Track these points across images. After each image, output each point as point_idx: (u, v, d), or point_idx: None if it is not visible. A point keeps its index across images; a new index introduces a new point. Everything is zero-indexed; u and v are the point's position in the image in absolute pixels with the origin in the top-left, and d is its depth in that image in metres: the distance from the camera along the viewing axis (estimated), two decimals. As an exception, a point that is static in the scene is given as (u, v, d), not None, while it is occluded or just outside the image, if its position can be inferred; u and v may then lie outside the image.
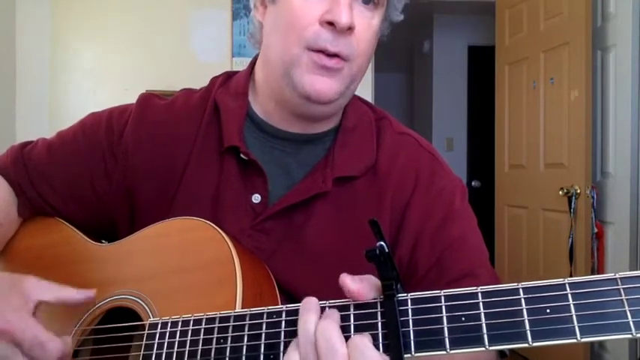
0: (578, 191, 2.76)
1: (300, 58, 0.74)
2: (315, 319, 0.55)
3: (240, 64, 3.15)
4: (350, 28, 0.73)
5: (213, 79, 0.90)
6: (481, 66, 4.71)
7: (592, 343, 2.77)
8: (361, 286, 0.56)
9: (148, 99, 0.89)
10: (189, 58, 3.20)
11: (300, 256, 0.78)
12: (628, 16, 2.64)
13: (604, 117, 2.82)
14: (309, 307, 0.57)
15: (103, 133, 0.86)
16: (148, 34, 3.19)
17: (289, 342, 0.57)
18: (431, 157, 0.85)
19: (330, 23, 0.72)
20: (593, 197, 2.74)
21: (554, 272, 2.90)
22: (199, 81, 0.94)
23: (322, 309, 0.58)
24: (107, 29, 3.18)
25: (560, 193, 2.83)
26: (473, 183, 4.94)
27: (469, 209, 0.84)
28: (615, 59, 2.74)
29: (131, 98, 0.90)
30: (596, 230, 2.76)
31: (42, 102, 3.10)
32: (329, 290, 0.58)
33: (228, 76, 0.90)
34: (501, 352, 0.73)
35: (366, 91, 3.22)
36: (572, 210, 2.79)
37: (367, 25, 0.76)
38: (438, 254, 0.78)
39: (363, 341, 0.53)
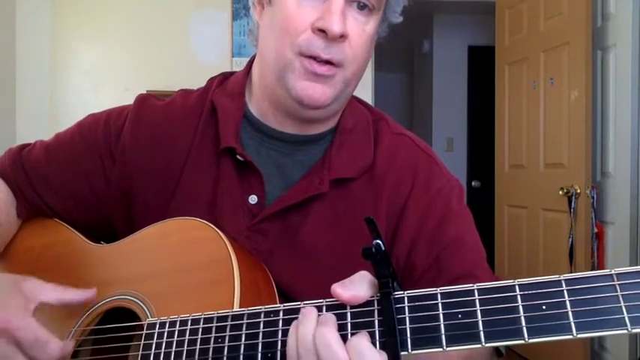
0: (578, 191, 2.76)
1: (293, 63, 0.75)
2: (311, 327, 0.55)
3: (240, 65, 3.12)
4: (342, 36, 0.73)
5: (211, 80, 0.90)
6: (481, 66, 4.71)
7: (592, 343, 2.77)
8: (353, 291, 0.56)
9: (145, 100, 0.89)
10: (190, 58, 3.20)
11: (297, 257, 0.78)
12: (628, 16, 2.64)
13: (604, 117, 2.82)
14: (305, 314, 0.57)
15: (101, 134, 0.86)
16: (148, 35, 3.19)
17: (287, 341, 0.57)
18: (428, 158, 0.85)
19: (322, 30, 0.72)
20: (593, 197, 2.74)
21: (554, 272, 2.83)
22: (199, 81, 0.94)
23: (319, 308, 0.58)
24: (107, 29, 3.19)
25: (560, 193, 2.83)
26: (473, 183, 4.94)
27: (466, 209, 0.84)
28: (615, 59, 2.73)
29: (131, 98, 0.90)
30: (596, 230, 2.75)
31: (42, 102, 3.10)
32: (326, 290, 0.58)
33: (225, 77, 0.91)
34: (498, 352, 0.73)
35: (366, 91, 3.22)
36: (572, 210, 2.79)
37: (361, 31, 0.76)
38: (436, 255, 0.78)
39: (361, 341, 0.53)
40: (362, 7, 0.75)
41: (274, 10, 0.77)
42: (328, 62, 0.74)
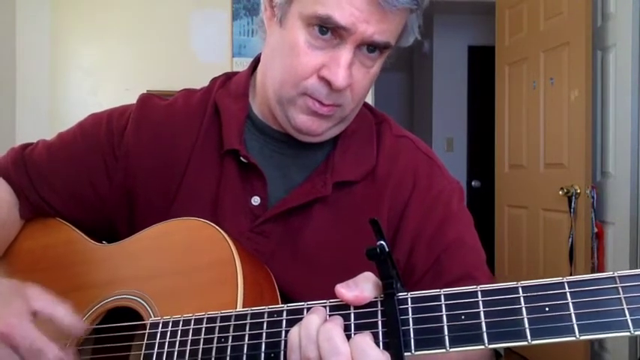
0: (578, 191, 2.76)
1: (295, 100, 0.76)
2: (318, 321, 0.56)
3: (241, 65, 3.15)
4: (346, 87, 0.73)
5: (213, 80, 0.90)
6: (481, 66, 4.71)
7: (592, 343, 2.77)
8: (357, 292, 0.56)
9: (147, 99, 0.89)
10: (190, 58, 3.20)
11: (299, 259, 0.79)
12: (628, 16, 2.64)
13: (604, 117, 2.82)
14: (314, 310, 0.57)
15: (103, 134, 0.86)
16: (148, 34, 3.19)
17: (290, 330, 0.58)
18: (428, 160, 0.85)
19: (327, 80, 0.72)
20: (593, 197, 2.74)
21: (554, 272, 2.89)
22: (200, 81, 0.94)
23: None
24: (107, 29, 3.19)
25: (560, 193, 2.83)
26: (473, 183, 4.94)
27: (466, 211, 0.84)
28: (615, 59, 2.73)
29: (131, 98, 0.90)
30: (596, 230, 2.75)
31: (42, 102, 3.09)
32: (328, 292, 0.58)
33: (228, 77, 0.90)
34: (496, 353, 0.74)
35: (366, 91, 3.21)
36: (572, 210, 2.79)
37: (365, 74, 0.75)
38: (436, 256, 0.78)
39: (364, 340, 0.53)
40: (372, 49, 0.74)
41: (284, 35, 0.75)
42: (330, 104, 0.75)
